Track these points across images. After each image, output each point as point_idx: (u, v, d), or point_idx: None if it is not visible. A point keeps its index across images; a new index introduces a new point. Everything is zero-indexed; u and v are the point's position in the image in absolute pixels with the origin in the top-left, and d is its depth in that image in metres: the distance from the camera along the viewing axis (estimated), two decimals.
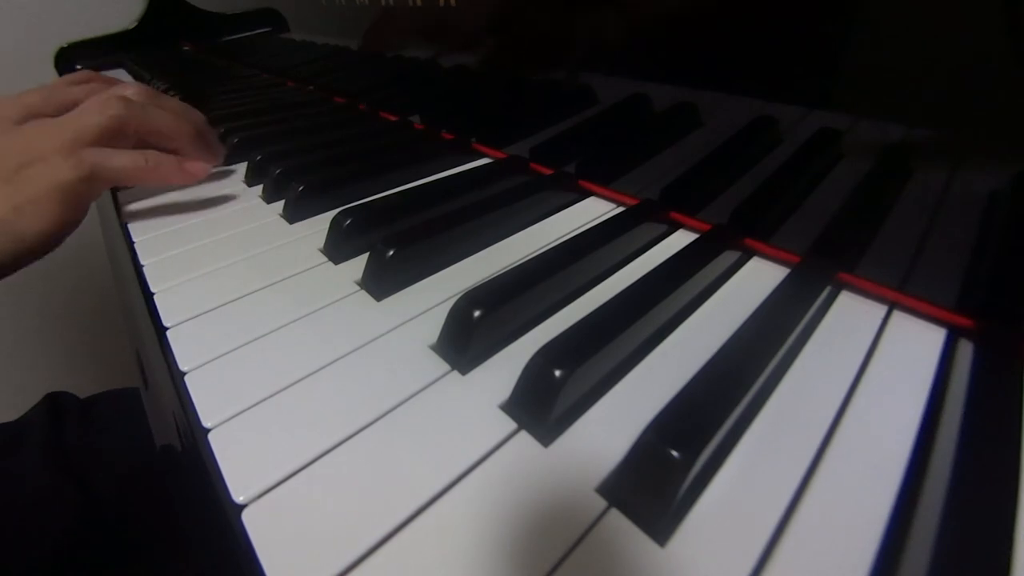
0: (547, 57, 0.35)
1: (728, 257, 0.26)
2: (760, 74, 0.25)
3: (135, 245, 0.32)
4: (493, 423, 0.19)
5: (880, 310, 0.23)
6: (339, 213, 0.30)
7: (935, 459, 0.16)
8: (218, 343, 0.23)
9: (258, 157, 0.41)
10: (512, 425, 0.18)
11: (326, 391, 0.20)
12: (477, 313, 0.21)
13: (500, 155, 0.42)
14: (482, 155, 0.43)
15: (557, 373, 0.18)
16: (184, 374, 0.21)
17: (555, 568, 0.14)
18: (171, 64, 0.93)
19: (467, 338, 0.21)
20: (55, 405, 0.48)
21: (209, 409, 0.19)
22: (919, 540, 0.14)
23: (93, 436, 0.45)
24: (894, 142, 0.21)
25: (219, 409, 0.19)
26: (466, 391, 0.20)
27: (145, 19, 1.05)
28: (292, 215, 0.34)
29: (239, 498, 0.16)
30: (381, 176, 0.38)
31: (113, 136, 0.34)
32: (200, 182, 0.41)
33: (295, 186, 0.34)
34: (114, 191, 0.41)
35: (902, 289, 0.23)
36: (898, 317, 0.23)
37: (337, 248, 0.29)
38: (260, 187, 0.39)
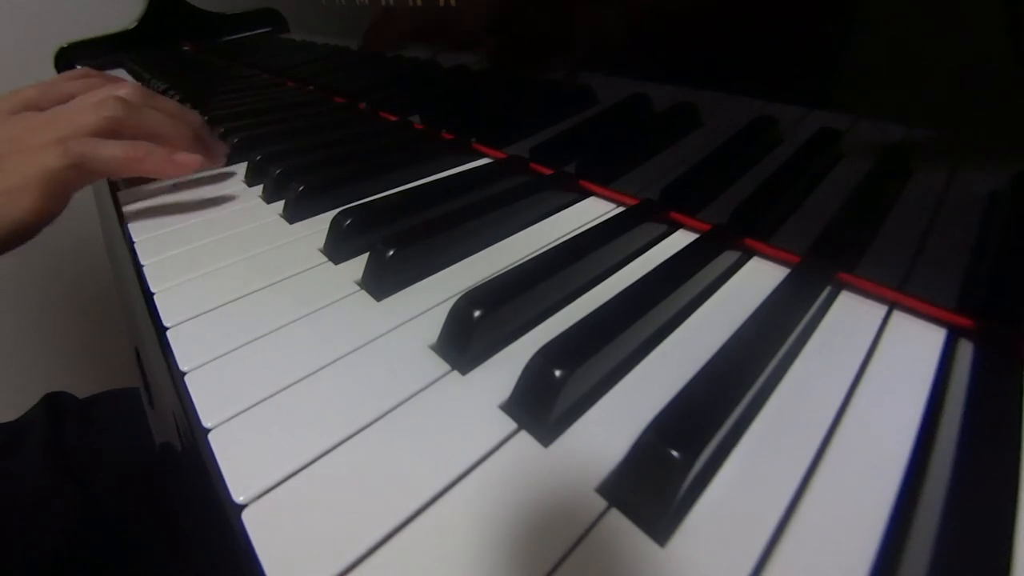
0: (547, 57, 0.35)
1: (728, 257, 0.26)
2: (760, 74, 0.25)
3: (135, 245, 0.32)
4: (493, 423, 0.19)
5: (880, 310, 0.23)
6: (339, 213, 0.30)
7: (935, 459, 0.16)
8: (218, 343, 0.23)
9: (258, 157, 0.41)
10: (512, 425, 0.18)
11: (326, 391, 0.20)
12: (477, 313, 0.21)
13: (500, 155, 0.42)
14: (482, 155, 0.43)
15: (557, 373, 0.18)
16: (184, 374, 0.21)
17: (555, 568, 0.14)
18: (171, 64, 0.93)
19: (467, 338, 0.21)
20: (55, 405, 0.48)
21: (209, 409, 0.19)
22: (919, 540, 0.14)
23: (93, 436, 0.45)
24: (894, 142, 0.21)
25: (219, 409, 0.19)
26: (466, 391, 0.20)
27: (145, 19, 1.05)
28: (292, 215, 0.34)
29: (239, 498, 0.16)
30: (381, 176, 0.38)
31: (107, 137, 0.34)
32: (200, 182, 0.41)
33: (295, 186, 0.34)
34: (114, 191, 0.41)
35: (902, 289, 0.23)
36: (898, 317, 0.23)
37: (337, 248, 0.29)
38: (260, 187, 0.39)
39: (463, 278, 0.27)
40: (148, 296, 0.27)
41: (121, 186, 0.42)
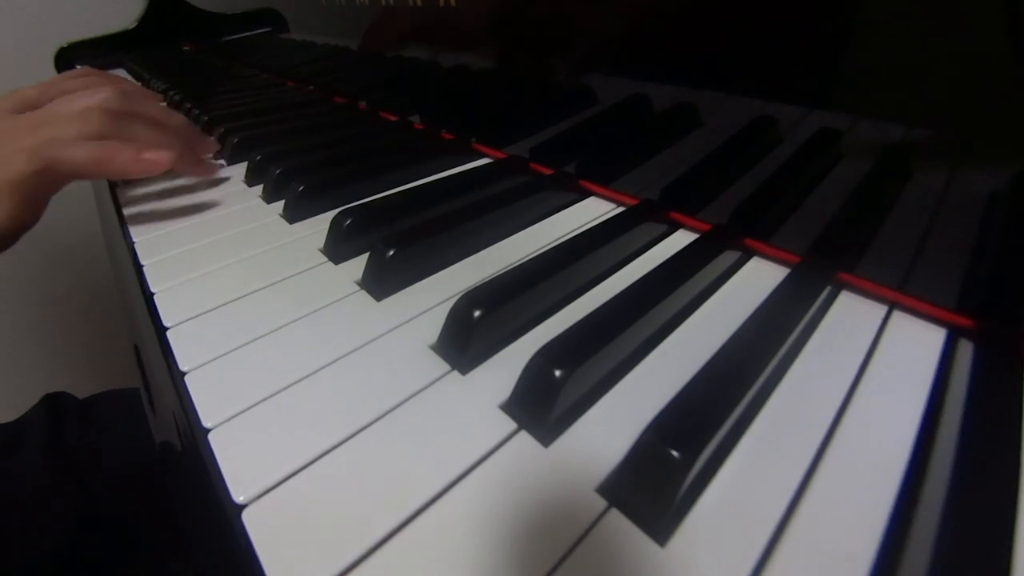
0: (547, 57, 0.35)
1: (728, 257, 0.26)
2: (760, 74, 0.25)
3: (135, 245, 0.32)
4: (493, 423, 0.19)
5: (880, 310, 0.23)
6: (339, 213, 0.30)
7: (935, 459, 0.16)
8: (218, 343, 0.23)
9: (258, 157, 0.41)
10: (512, 425, 0.18)
11: (326, 391, 0.20)
12: (477, 313, 0.21)
13: (500, 155, 0.42)
14: (482, 155, 0.43)
15: (557, 373, 0.18)
16: (184, 374, 0.21)
17: (555, 568, 0.14)
18: (171, 64, 0.93)
19: (467, 338, 0.21)
20: (54, 405, 0.48)
21: (209, 409, 0.19)
22: (919, 540, 0.14)
23: (93, 436, 0.46)
24: (894, 142, 0.21)
25: (219, 409, 0.19)
26: (466, 391, 0.20)
27: (145, 19, 1.05)
28: (292, 215, 0.34)
29: (239, 498, 0.16)
30: (381, 176, 0.38)
31: None
32: (200, 183, 0.41)
33: (295, 186, 0.34)
34: (114, 191, 0.41)
35: (902, 289, 0.23)
36: (898, 317, 0.23)
37: (337, 248, 0.29)
38: (260, 187, 0.39)
39: (463, 278, 0.27)
40: (148, 296, 0.27)
41: (121, 186, 0.42)
